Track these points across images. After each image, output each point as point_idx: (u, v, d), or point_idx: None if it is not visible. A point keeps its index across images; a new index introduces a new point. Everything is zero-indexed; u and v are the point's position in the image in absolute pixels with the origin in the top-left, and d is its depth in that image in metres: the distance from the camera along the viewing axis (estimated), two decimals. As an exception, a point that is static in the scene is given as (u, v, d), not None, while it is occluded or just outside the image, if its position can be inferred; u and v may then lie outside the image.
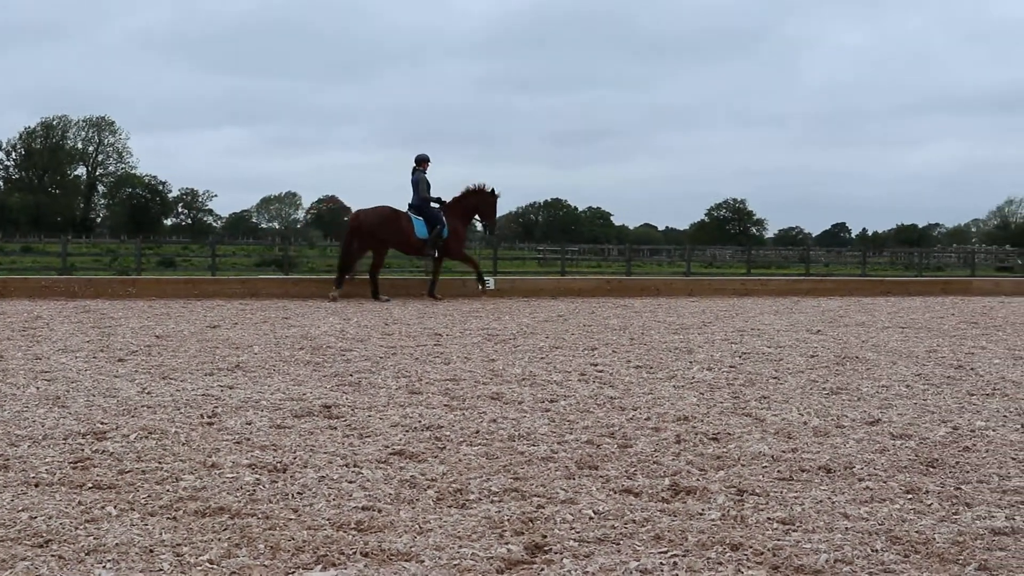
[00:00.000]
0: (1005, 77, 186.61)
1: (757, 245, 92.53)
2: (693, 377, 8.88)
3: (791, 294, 22.76)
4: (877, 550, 4.08)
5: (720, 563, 3.91)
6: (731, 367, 9.57)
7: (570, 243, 66.31)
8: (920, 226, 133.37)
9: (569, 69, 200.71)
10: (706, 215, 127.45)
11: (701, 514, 4.55)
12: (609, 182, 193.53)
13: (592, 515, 4.49)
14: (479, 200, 20.63)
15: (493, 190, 20.63)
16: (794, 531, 4.32)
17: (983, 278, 32.49)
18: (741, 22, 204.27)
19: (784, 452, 5.83)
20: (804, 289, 23.54)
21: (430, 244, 20.01)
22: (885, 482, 5.18)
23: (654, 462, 5.55)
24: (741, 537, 4.20)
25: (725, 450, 5.88)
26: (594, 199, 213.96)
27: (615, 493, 4.89)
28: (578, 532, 4.25)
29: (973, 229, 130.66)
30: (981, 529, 4.38)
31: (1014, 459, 5.78)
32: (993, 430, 6.61)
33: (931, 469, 5.50)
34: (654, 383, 8.51)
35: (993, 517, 4.56)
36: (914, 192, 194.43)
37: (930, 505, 4.76)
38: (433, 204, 20.20)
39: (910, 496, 4.92)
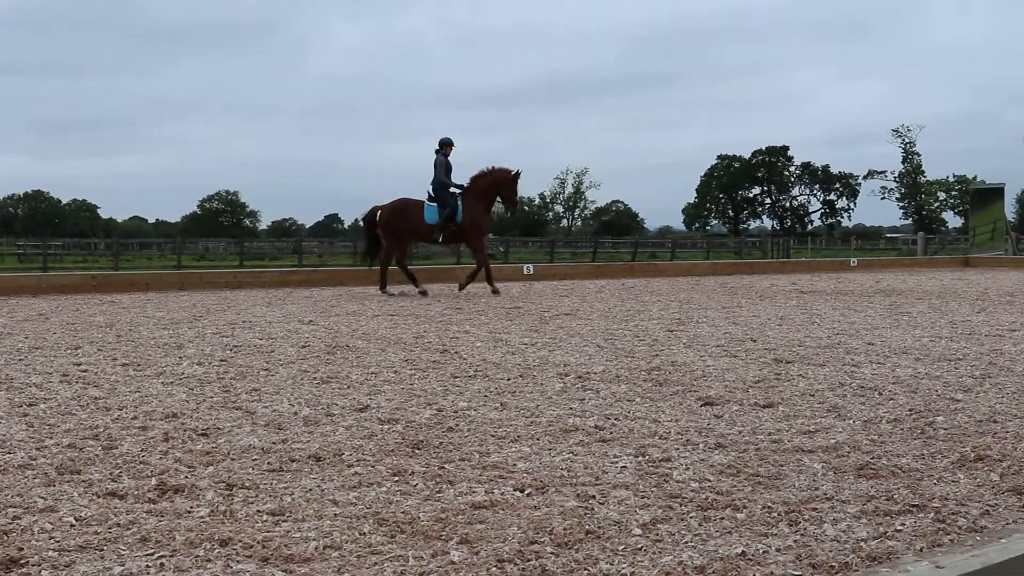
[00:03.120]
0: (491, 79, 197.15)
1: (250, 237, 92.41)
2: (183, 372, 8.74)
3: (284, 285, 22.88)
4: (365, 533, 4.21)
5: (209, 560, 3.88)
6: (222, 361, 9.51)
7: (53, 237, 63.24)
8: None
9: (56, 54, 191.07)
10: (199, 207, 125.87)
11: (190, 512, 4.50)
12: (97, 174, 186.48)
13: (74, 522, 4.32)
14: (496, 181, 19.96)
15: (511, 170, 19.94)
16: (284, 521, 4.37)
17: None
18: (248, 13, 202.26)
19: (275, 443, 5.88)
20: (297, 280, 23.73)
21: (439, 229, 19.71)
22: (373, 466, 5.35)
23: (141, 462, 5.42)
24: (231, 532, 4.19)
25: (215, 445, 5.84)
26: (80, 191, 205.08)
27: (99, 497, 4.73)
28: (58, 541, 4.07)
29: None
30: (463, 504, 4.63)
31: (494, 436, 6.15)
32: (475, 410, 7.00)
33: (417, 451, 5.74)
34: (142, 380, 8.30)
35: (474, 492, 4.83)
36: (402, 183, 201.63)
37: (416, 486, 4.97)
38: (453, 190, 19.73)
39: (397, 478, 5.11)
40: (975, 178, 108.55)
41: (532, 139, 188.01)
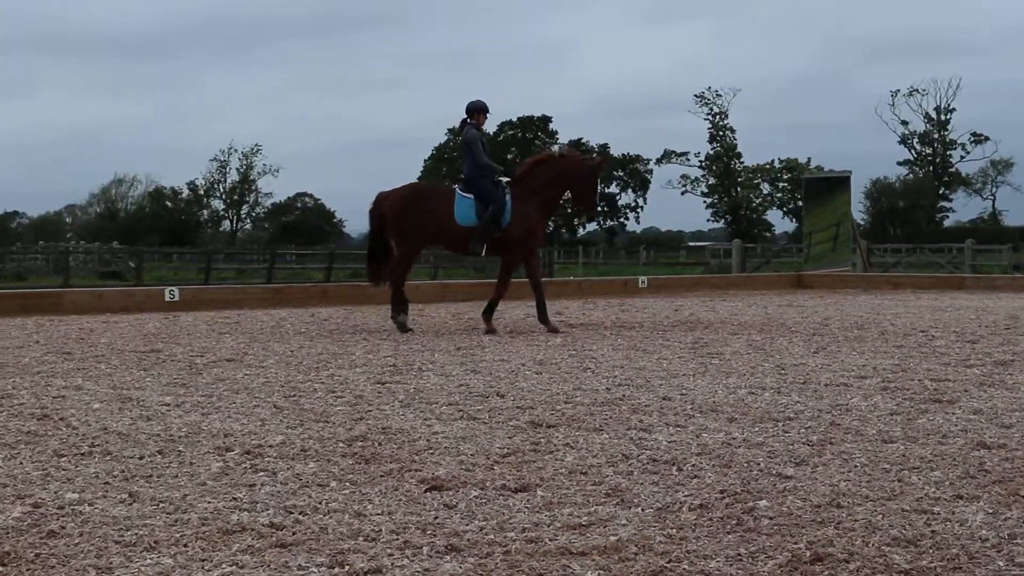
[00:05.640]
0: (127, 15, 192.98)
1: None
2: None
3: None
4: None
5: None
6: None
7: None
8: None
9: None
10: None
11: None
12: None
13: None
14: (566, 171, 18.59)
15: (589, 158, 18.85)
16: None
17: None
18: None
19: None
20: None
21: (478, 236, 18.08)
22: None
23: None
24: None
25: None
26: None
27: None
28: None
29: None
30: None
31: (119, 542, 6.03)
32: (91, 504, 6.86)
33: (0, 567, 5.60)
34: None
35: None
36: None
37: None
38: (498, 177, 18.27)
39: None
40: (809, 163, 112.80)
41: (182, 101, 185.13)
